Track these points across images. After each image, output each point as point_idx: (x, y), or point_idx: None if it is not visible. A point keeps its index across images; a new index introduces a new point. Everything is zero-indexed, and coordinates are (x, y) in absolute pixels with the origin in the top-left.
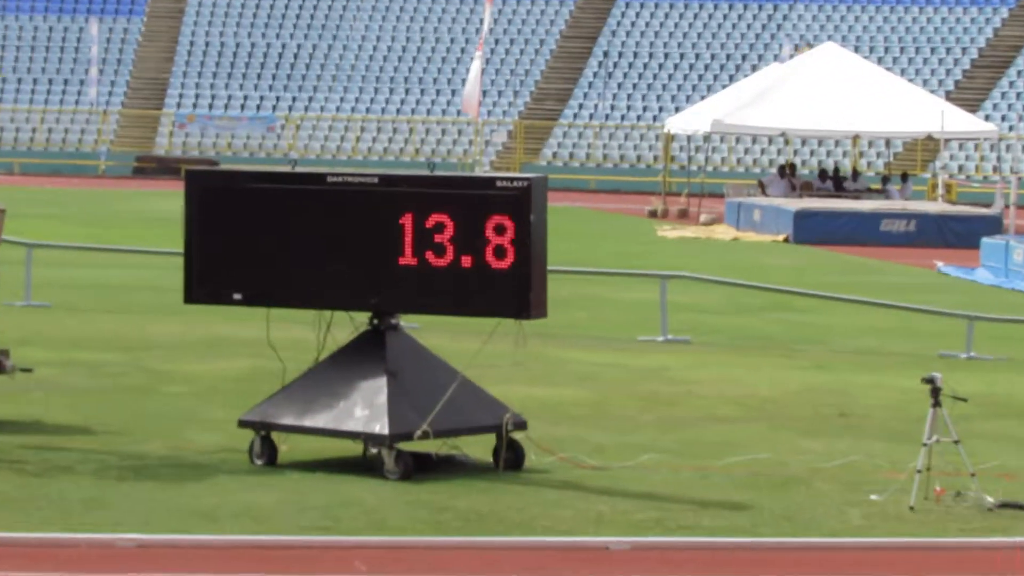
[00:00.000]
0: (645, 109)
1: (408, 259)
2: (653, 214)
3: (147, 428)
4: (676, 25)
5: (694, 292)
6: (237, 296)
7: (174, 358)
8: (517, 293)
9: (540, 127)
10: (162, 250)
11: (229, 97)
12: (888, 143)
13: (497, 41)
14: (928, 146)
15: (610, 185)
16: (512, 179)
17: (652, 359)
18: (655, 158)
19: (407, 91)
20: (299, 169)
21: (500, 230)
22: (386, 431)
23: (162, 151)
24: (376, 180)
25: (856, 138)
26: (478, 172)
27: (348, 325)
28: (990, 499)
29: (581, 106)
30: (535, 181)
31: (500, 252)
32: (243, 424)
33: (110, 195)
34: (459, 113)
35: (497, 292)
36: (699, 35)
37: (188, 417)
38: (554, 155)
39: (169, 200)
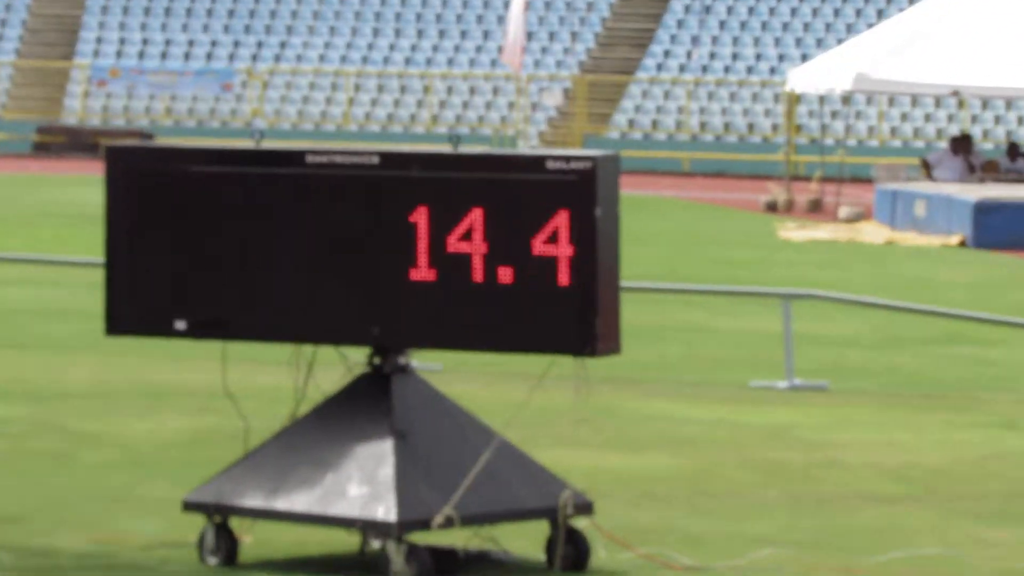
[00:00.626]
0: (759, 58)
1: (423, 272)
2: (772, 207)
3: (60, 511)
4: None
5: (832, 318)
6: (180, 325)
7: (97, 413)
8: (579, 320)
9: (609, 84)
10: (80, 259)
11: (167, 43)
12: None
13: None
14: None
15: (711, 166)
16: (570, 158)
17: (773, 414)
18: (774, 127)
19: (420, 34)
20: (267, 145)
21: (553, 231)
22: (393, 517)
23: (73, 119)
24: (377, 160)
25: None
26: (522, 149)
27: (338, 366)
28: None
29: (667, 54)
30: (602, 161)
31: (553, 263)
32: (191, 506)
33: (3, 181)
34: (495, 65)
35: (550, 319)
36: None
37: (116, 496)
38: (630, 124)
39: (86, 189)
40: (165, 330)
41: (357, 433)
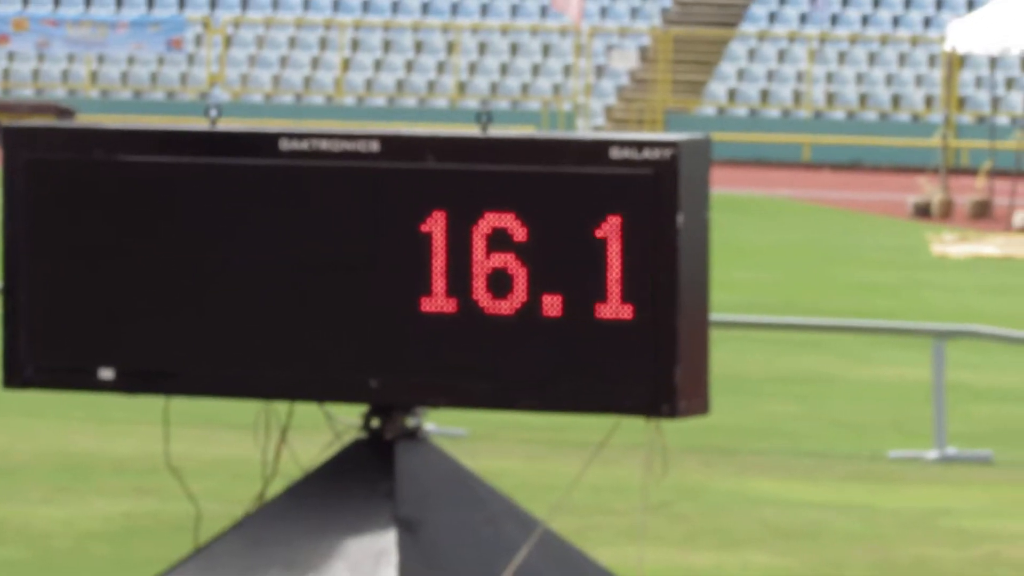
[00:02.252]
0: (909, 5)
1: (439, 302)
2: (923, 211)
3: None
4: None
5: (999, 365)
6: (106, 374)
7: None
8: (652, 367)
9: (703, 41)
10: None
11: None
12: None
13: None
14: None
15: (841, 154)
16: (642, 144)
17: (919, 496)
18: (928, 101)
19: None
20: (227, 125)
21: (618, 246)
22: None
23: None
24: (377, 147)
25: None
26: (580, 130)
27: (323, 431)
28: None
29: (783, 0)
30: (687, 147)
31: (618, 288)
32: None
33: None
34: (545, 14)
35: (613, 366)
36: None
37: None
38: (730, 96)
39: None
40: (86, 381)
41: (348, 523)
